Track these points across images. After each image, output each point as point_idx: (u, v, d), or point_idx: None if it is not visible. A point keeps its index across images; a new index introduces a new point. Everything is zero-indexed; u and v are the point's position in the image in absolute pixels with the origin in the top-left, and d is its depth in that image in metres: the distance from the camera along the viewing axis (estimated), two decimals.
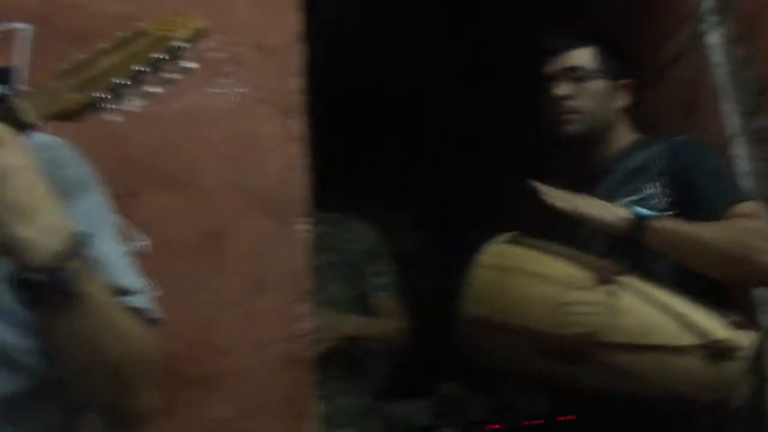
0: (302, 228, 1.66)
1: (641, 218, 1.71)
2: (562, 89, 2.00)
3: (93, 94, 1.04)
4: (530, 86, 2.11)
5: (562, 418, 3.04)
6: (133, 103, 1.07)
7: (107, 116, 1.05)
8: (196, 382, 1.58)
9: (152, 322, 1.21)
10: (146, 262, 1.27)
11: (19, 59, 1.71)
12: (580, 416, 2.02)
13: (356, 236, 2.86)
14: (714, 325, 1.56)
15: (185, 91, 1.12)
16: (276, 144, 1.69)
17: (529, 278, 1.72)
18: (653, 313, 1.60)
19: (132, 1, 1.74)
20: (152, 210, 1.54)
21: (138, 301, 1.19)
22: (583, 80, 2.01)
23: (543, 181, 1.85)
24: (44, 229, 0.98)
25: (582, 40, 2.07)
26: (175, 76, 1.08)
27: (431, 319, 3.24)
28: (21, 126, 1.03)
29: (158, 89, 1.08)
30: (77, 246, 1.00)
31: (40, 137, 1.09)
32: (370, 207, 3.01)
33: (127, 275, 1.21)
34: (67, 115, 1.05)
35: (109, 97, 1.04)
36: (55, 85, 1.06)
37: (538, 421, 3.66)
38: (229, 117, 1.69)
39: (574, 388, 1.74)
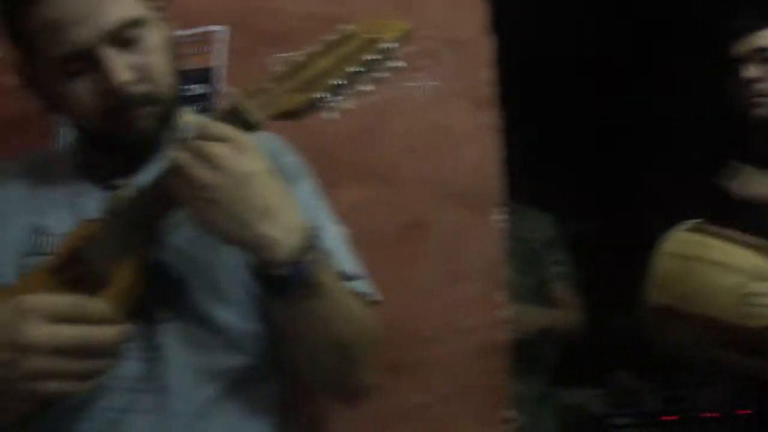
0: (497, 218, 1.68)
1: None
2: (752, 71, 1.94)
3: (313, 95, 1.10)
4: (718, 69, 2.06)
5: (739, 412, 2.96)
6: (346, 102, 1.12)
7: (324, 115, 1.11)
8: (397, 368, 1.63)
9: (372, 304, 1.29)
10: None
11: (217, 60, 1.81)
12: (757, 410, 1.96)
13: (534, 226, 2.87)
14: None
15: (381, 86, 1.15)
16: (470, 136, 1.71)
17: (711, 267, 1.69)
18: None
19: (326, 2, 1.81)
20: (352, 202, 1.59)
21: (360, 285, 1.28)
22: None
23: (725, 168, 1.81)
24: (285, 227, 1.06)
25: None
26: (384, 74, 1.13)
27: (606, 307, 3.21)
28: (247, 126, 1.10)
29: (369, 88, 1.13)
30: (313, 240, 1.08)
31: None
32: (546, 196, 3.01)
33: (348, 261, 1.30)
34: (289, 115, 1.11)
35: (327, 96, 1.10)
36: (275, 86, 1.12)
37: (715, 414, 3.57)
38: (424, 110, 1.73)
39: (753, 381, 1.70)
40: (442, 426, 1.65)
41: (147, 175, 1.24)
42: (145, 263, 1.17)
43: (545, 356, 2.83)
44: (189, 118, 1.40)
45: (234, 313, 1.25)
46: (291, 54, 1.72)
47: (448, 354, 1.65)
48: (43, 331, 1.06)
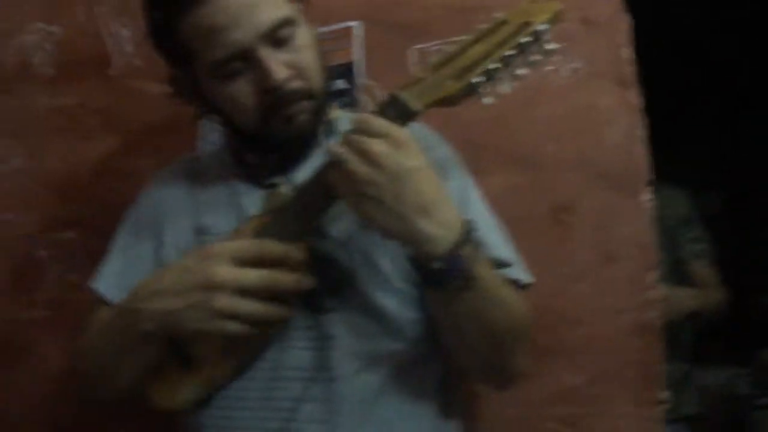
0: (645, 198, 1.66)
1: None
2: None
3: (470, 80, 1.11)
4: None
5: None
6: (503, 86, 1.13)
7: (483, 100, 1.12)
8: (549, 350, 1.64)
9: (524, 288, 1.30)
10: None
11: (357, 55, 1.84)
12: None
13: (669, 202, 2.81)
14: None
15: None
16: (614, 116, 1.69)
17: None
18: None
19: None
20: (500, 188, 1.60)
21: (514, 272, 1.29)
22: None
23: None
24: (442, 222, 1.08)
25: None
26: (538, 57, 1.14)
27: (749, 285, 3.13)
28: (406, 116, 1.12)
29: (525, 71, 1.13)
30: (468, 234, 1.10)
31: None
32: (679, 172, 2.95)
33: (502, 248, 1.31)
34: (447, 102, 1.13)
35: (484, 81, 1.11)
36: (431, 75, 1.14)
37: None
38: (566, 93, 1.72)
39: None
40: (596, 407, 1.64)
41: (304, 173, 1.28)
42: (310, 255, 1.21)
43: (687, 336, 2.78)
44: (336, 113, 1.43)
45: (396, 301, 1.27)
46: (429, 45, 1.77)
47: (601, 335, 1.65)
48: (229, 272, 1.15)
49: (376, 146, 1.06)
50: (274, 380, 1.25)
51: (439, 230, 1.07)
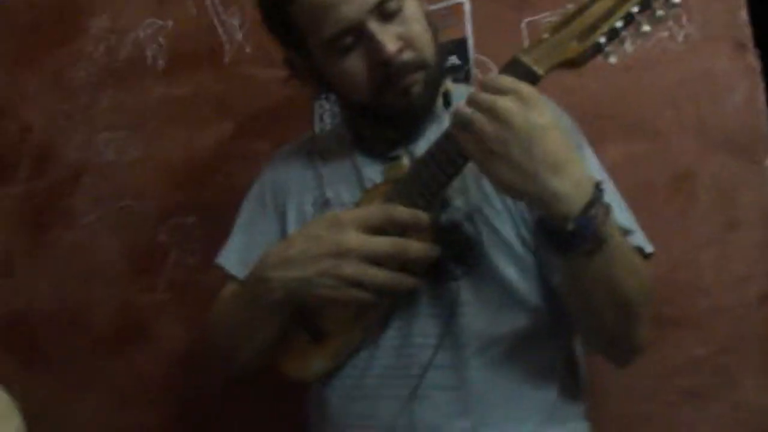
0: None
1: None
2: None
3: (594, 40, 1.08)
4: None
5: None
6: (627, 45, 1.11)
7: (609, 59, 1.10)
8: (673, 321, 1.62)
9: (646, 258, 1.27)
10: None
11: (467, 30, 1.84)
12: None
13: None
14: None
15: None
16: (732, 81, 1.65)
17: None
18: None
19: None
20: (619, 157, 1.58)
21: (637, 239, 1.26)
22: None
23: None
24: (574, 181, 1.03)
25: None
26: (662, 13, 1.10)
27: None
28: (529, 79, 1.09)
29: (650, 28, 1.10)
30: (599, 194, 1.05)
31: None
32: None
33: (626, 216, 1.28)
34: (571, 63, 1.10)
35: (608, 40, 1.09)
36: (553, 37, 1.12)
37: None
38: (682, 58, 1.69)
39: None
40: (721, 378, 1.60)
41: (423, 145, 1.28)
42: (435, 224, 1.21)
43: None
44: (450, 86, 1.43)
45: (519, 269, 1.26)
46: (539, 17, 1.76)
47: (726, 305, 1.60)
48: (358, 239, 1.18)
49: (504, 102, 1.02)
50: (403, 347, 1.26)
51: (572, 189, 1.02)
